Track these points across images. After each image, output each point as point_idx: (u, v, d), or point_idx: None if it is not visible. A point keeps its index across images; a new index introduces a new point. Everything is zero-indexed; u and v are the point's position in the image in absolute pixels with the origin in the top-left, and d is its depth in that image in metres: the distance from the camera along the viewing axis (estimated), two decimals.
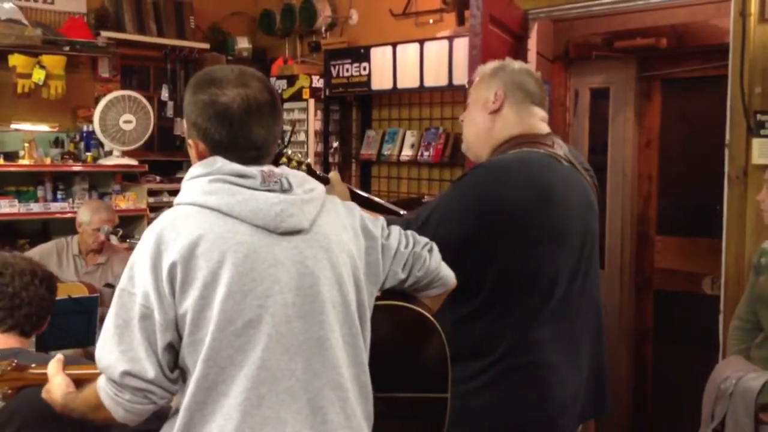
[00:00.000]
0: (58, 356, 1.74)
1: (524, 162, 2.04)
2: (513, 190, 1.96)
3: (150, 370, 1.44)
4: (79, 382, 1.65)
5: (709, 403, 2.86)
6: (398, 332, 1.80)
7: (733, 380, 2.75)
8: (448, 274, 1.81)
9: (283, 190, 1.51)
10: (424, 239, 1.80)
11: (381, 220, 1.76)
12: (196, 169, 1.53)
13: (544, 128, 2.19)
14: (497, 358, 1.97)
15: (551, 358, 2.02)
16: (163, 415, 1.59)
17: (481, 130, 2.21)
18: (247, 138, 1.53)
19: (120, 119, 5.11)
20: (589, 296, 2.15)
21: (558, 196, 2.02)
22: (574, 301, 2.07)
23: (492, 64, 2.26)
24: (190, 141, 1.59)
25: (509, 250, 1.96)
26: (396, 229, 1.76)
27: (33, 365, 1.76)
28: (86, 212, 4.12)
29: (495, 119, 2.17)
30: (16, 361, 1.75)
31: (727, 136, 3.29)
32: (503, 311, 1.98)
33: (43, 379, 1.70)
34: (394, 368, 1.78)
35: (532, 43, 4.08)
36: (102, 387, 1.49)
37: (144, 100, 5.26)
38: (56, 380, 1.67)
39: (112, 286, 4.01)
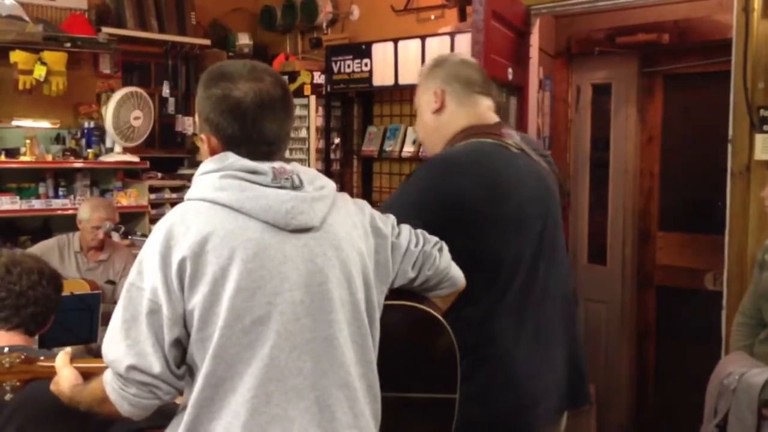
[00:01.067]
0: (66, 349, 1.75)
1: (473, 152, 2.04)
2: (463, 181, 1.95)
3: (156, 365, 1.44)
4: (87, 376, 1.65)
5: (711, 398, 2.85)
6: (408, 332, 1.79)
7: (737, 376, 2.74)
8: (458, 274, 1.81)
9: (294, 187, 1.51)
10: (434, 238, 1.79)
11: (392, 218, 1.75)
12: (207, 164, 1.53)
13: (492, 117, 2.17)
14: (463, 352, 1.89)
15: (518, 349, 1.99)
16: (168, 412, 1.59)
17: (430, 130, 2.20)
18: (260, 132, 1.53)
19: (131, 116, 5.12)
20: (555, 282, 2.12)
21: (509, 183, 2.00)
22: (538, 288, 2.04)
23: (429, 63, 2.26)
24: (202, 136, 1.59)
25: (465, 240, 1.92)
26: (406, 228, 1.76)
27: (42, 358, 1.77)
28: (86, 209, 4.11)
29: (440, 116, 2.16)
30: (25, 353, 1.75)
31: (730, 132, 3.28)
32: (465, 304, 1.93)
33: (52, 372, 1.71)
34: (403, 368, 1.78)
35: (534, 39, 4.08)
36: (108, 381, 1.49)
37: (146, 96, 5.27)
38: (64, 372, 1.67)
39: (113, 283, 4.02)
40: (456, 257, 1.88)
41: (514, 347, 1.98)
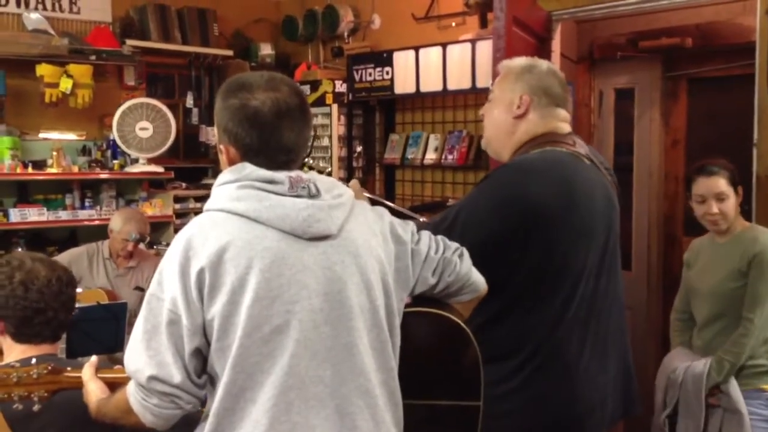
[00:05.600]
0: (92, 360, 1.75)
1: (548, 160, 2.05)
2: (539, 188, 1.96)
3: (176, 375, 1.45)
4: (113, 386, 1.66)
5: (660, 392, 3.08)
6: (431, 339, 1.79)
7: (682, 369, 2.95)
8: (479, 280, 1.80)
9: (311, 196, 1.51)
10: (454, 244, 1.79)
11: (411, 225, 1.75)
12: (225, 175, 1.54)
13: (566, 128, 2.18)
14: (523, 360, 1.96)
15: (578, 358, 2.01)
16: (193, 422, 1.60)
17: (503, 132, 2.20)
18: (278, 141, 1.54)
19: (136, 126, 5.15)
20: (614, 294, 2.15)
21: (582, 193, 2.02)
22: (600, 298, 2.06)
23: (519, 62, 2.24)
24: (221, 146, 1.60)
25: (538, 248, 1.95)
26: (426, 234, 1.75)
27: (68, 368, 1.78)
28: (118, 221, 4.17)
29: (518, 123, 2.16)
30: (52, 364, 1.77)
31: (755, 135, 3.24)
32: (528, 312, 1.97)
33: (78, 383, 1.72)
34: (426, 375, 1.77)
35: (556, 45, 4.06)
36: (131, 392, 1.50)
37: (164, 108, 5.28)
38: (90, 386, 1.69)
39: (142, 290, 4.05)
40: (525, 264, 1.92)
41: (576, 356, 2.00)
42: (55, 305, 2.10)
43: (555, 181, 1.98)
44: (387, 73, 5.06)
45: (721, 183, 2.90)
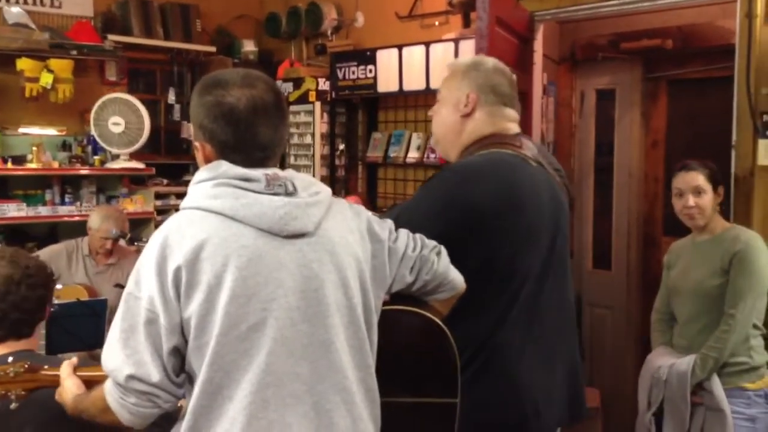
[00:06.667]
0: (72, 359, 1.76)
1: (492, 163, 2.02)
2: (482, 191, 1.94)
3: (154, 374, 1.45)
4: (90, 384, 1.66)
5: (644, 391, 3.12)
6: (409, 337, 1.79)
7: (666, 368, 2.99)
8: (457, 278, 1.81)
9: (288, 194, 1.51)
10: (432, 242, 1.79)
11: (389, 223, 1.75)
12: (201, 173, 1.54)
13: (514, 128, 2.16)
14: (465, 363, 1.88)
15: (521, 360, 1.98)
16: (171, 420, 1.60)
17: (450, 131, 2.18)
18: (254, 138, 1.54)
19: (109, 121, 5.11)
20: (560, 296, 2.12)
21: (528, 195, 2.00)
22: (545, 301, 2.04)
23: (465, 61, 2.22)
24: (197, 143, 1.60)
25: (479, 250, 1.93)
26: (404, 233, 1.76)
27: (46, 366, 1.78)
28: (96, 218, 4.15)
29: (466, 122, 2.14)
30: (29, 362, 1.76)
31: (734, 137, 3.29)
32: (471, 314, 1.93)
33: (56, 381, 1.72)
34: (404, 373, 1.78)
35: (538, 45, 4.08)
36: (109, 390, 1.50)
37: (137, 103, 5.22)
38: (67, 383, 1.69)
39: (122, 287, 4.03)
40: (469, 267, 1.88)
41: (518, 358, 1.98)
42: (2, 305, 2.08)
43: (499, 183, 1.96)
44: (370, 71, 5.06)
45: (699, 177, 2.97)
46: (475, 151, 2.09)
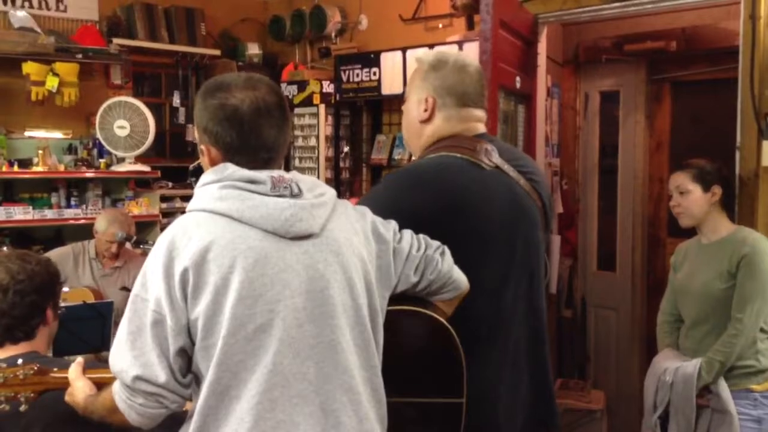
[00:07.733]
0: (78, 360, 1.77)
1: (437, 168, 1.95)
2: (423, 196, 1.89)
3: (161, 375, 1.46)
4: (100, 385, 1.67)
5: (650, 393, 3.11)
6: (414, 337, 1.79)
7: (672, 370, 2.98)
8: (460, 278, 1.81)
9: (293, 195, 1.53)
10: (435, 243, 1.79)
11: (393, 223, 1.76)
12: (207, 176, 1.55)
13: (476, 129, 2.08)
14: None
15: (482, 373, 1.87)
16: (179, 420, 1.61)
17: (413, 134, 2.14)
18: (258, 139, 1.56)
19: (114, 124, 5.13)
20: (525, 305, 2.02)
21: (473, 201, 1.91)
22: (506, 309, 1.95)
23: (428, 59, 2.14)
24: (202, 147, 1.61)
25: None
26: (408, 233, 1.76)
27: (54, 369, 1.79)
28: (102, 222, 4.17)
29: (425, 126, 2.09)
30: (38, 365, 1.77)
31: (738, 139, 3.28)
32: None
33: (65, 383, 1.73)
34: (410, 373, 1.78)
35: (542, 47, 4.09)
36: (116, 391, 1.51)
37: (142, 107, 5.22)
38: (77, 384, 1.71)
39: (128, 290, 4.05)
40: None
41: (477, 372, 1.84)
42: None
43: (439, 189, 1.90)
44: (374, 73, 5.07)
45: (680, 177, 3.02)
46: (428, 155, 2.04)
